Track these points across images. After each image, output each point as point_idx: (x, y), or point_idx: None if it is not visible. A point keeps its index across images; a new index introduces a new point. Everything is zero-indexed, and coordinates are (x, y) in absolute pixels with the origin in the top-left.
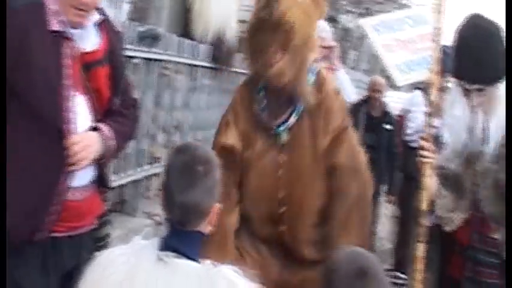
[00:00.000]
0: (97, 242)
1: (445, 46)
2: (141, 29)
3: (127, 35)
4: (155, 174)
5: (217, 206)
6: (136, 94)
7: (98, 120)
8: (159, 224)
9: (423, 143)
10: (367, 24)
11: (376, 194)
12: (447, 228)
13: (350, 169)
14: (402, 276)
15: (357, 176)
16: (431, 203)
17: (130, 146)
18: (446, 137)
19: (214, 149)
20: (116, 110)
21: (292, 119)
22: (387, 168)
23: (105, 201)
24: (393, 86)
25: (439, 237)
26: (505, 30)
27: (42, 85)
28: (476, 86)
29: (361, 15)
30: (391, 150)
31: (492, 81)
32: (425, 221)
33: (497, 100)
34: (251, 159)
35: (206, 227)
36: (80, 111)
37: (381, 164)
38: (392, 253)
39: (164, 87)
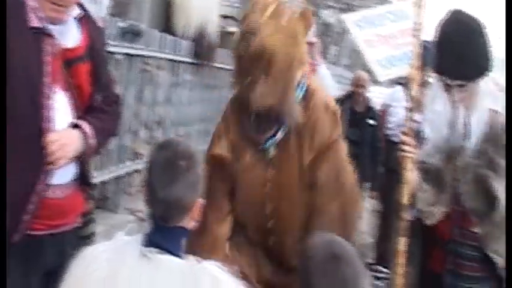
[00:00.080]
0: (82, 240)
1: (425, 41)
2: (122, 24)
3: (108, 31)
4: (137, 171)
5: (200, 201)
6: (118, 90)
7: (79, 117)
8: (141, 220)
9: (404, 137)
10: (349, 19)
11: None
12: (428, 222)
13: (331, 188)
14: (384, 270)
15: (340, 194)
16: (413, 197)
17: (112, 142)
18: (427, 132)
19: (206, 159)
20: (98, 107)
21: (279, 135)
22: (370, 163)
23: (90, 199)
24: (374, 81)
25: (420, 231)
26: (505, 30)
27: (22, 83)
28: (457, 82)
29: (342, 10)
30: (374, 145)
31: (473, 77)
32: (407, 215)
33: (479, 96)
34: (240, 172)
35: (189, 223)
36: (61, 108)
37: (364, 159)
38: (373, 247)
39: (146, 83)
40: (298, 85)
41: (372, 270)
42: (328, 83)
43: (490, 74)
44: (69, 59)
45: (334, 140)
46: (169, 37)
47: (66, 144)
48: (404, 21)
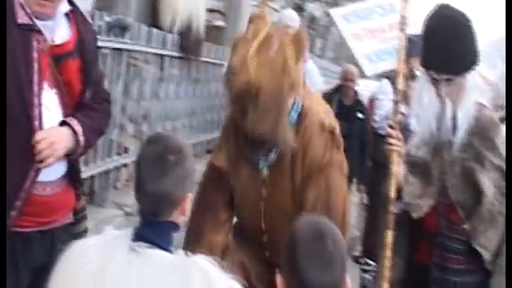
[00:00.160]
0: (75, 237)
1: (411, 35)
2: (109, 19)
3: (94, 25)
4: (124, 165)
5: (189, 196)
6: (106, 85)
7: (68, 115)
8: (128, 214)
9: (390, 131)
10: (337, 13)
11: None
12: (415, 215)
13: (319, 210)
14: (371, 263)
15: (328, 218)
16: (399, 190)
17: None
18: (414, 125)
19: (207, 167)
20: (88, 104)
21: (272, 157)
22: (358, 157)
23: (81, 196)
24: (360, 74)
25: (407, 224)
26: (505, 30)
27: (10, 80)
28: (444, 76)
29: (328, 4)
30: (363, 139)
31: (460, 71)
32: (394, 208)
33: (466, 89)
34: (236, 187)
35: (178, 217)
36: (50, 105)
37: (352, 152)
38: (360, 240)
39: (133, 78)
40: (292, 107)
41: (359, 263)
42: (315, 78)
43: (477, 67)
44: (58, 55)
45: (328, 161)
46: (156, 31)
47: (55, 142)
48: (392, 15)
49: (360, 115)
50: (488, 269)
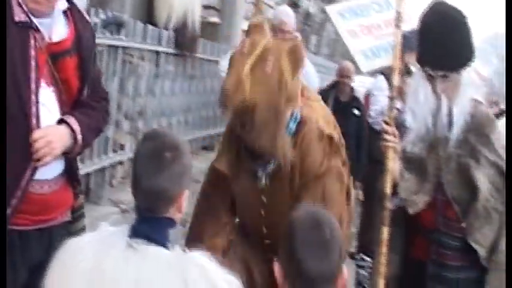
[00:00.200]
0: (73, 235)
1: (406, 31)
2: (104, 16)
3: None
4: (120, 162)
5: (186, 193)
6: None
7: (66, 113)
8: (124, 211)
9: (386, 127)
10: (333, 10)
11: None
12: (410, 211)
13: None
14: (367, 259)
15: None
16: (395, 186)
17: None
18: (410, 121)
19: (209, 169)
20: (86, 103)
21: (271, 167)
22: (355, 153)
23: (79, 194)
24: (355, 71)
25: (402, 220)
26: (505, 30)
27: (7, 78)
28: (440, 73)
29: (323, 0)
30: (359, 135)
31: (456, 67)
32: (390, 205)
33: (461, 86)
34: (237, 193)
35: (175, 214)
36: (47, 103)
37: (349, 149)
38: (356, 236)
39: (128, 74)
40: (290, 118)
41: (354, 259)
42: (311, 77)
43: (472, 63)
44: (55, 53)
45: (325, 169)
46: (151, 28)
47: (52, 141)
48: (388, 11)
49: (356, 112)
50: (484, 266)
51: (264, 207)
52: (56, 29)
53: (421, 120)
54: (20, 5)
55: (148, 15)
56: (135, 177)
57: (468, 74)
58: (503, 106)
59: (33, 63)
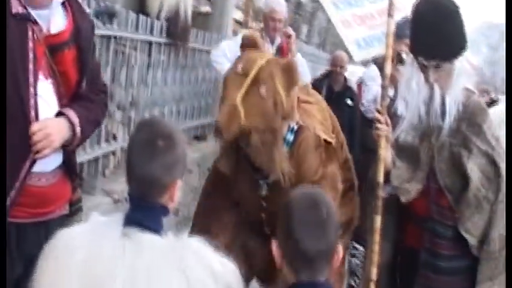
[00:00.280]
0: None
1: (398, 20)
2: (97, 6)
3: None
4: (113, 152)
5: (179, 182)
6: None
7: (64, 105)
8: (117, 201)
9: (378, 115)
10: (326, 0)
11: None
12: (403, 199)
13: None
14: (359, 247)
15: None
16: (387, 175)
17: None
18: (402, 109)
19: (211, 170)
20: (84, 95)
21: (271, 178)
22: (348, 142)
23: (77, 187)
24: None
25: (394, 208)
26: (505, 30)
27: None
28: (433, 62)
29: None
30: (352, 124)
31: (449, 57)
32: (382, 193)
33: (454, 75)
34: (239, 195)
35: (167, 203)
36: (45, 95)
37: None
38: None
39: (121, 64)
40: (288, 130)
41: (347, 248)
42: (304, 72)
43: (464, 53)
44: (53, 45)
45: (320, 177)
46: (143, 18)
47: (51, 133)
48: (382, 1)
49: (349, 101)
50: (475, 255)
51: (264, 211)
52: (54, 21)
53: (414, 109)
54: None
55: (141, 5)
56: (128, 165)
57: (461, 64)
58: (493, 95)
59: (31, 55)
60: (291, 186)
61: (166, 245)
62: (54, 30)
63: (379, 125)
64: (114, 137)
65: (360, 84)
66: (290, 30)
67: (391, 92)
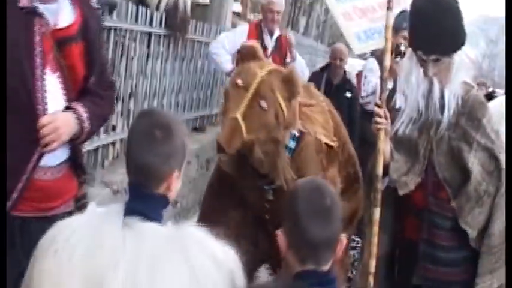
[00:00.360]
0: None
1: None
2: None
3: None
4: (112, 143)
5: (176, 173)
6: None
7: (71, 100)
8: (116, 192)
9: (377, 110)
10: None
11: None
12: (401, 192)
13: None
14: (356, 239)
15: None
16: (386, 167)
17: None
18: (401, 103)
19: (216, 167)
20: (93, 91)
21: (275, 185)
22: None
23: (83, 183)
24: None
25: (392, 201)
26: (505, 29)
27: (12, 64)
28: (432, 57)
29: None
30: (351, 117)
31: (448, 51)
32: (381, 185)
33: (453, 69)
34: (243, 193)
35: (166, 193)
36: (52, 89)
37: None
38: None
39: (120, 55)
40: (290, 137)
41: None
42: (303, 71)
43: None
44: (60, 39)
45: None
46: (143, 9)
47: (59, 127)
48: None
49: (348, 94)
50: (474, 247)
51: (269, 213)
52: (62, 15)
53: (413, 103)
54: None
55: None
56: (127, 154)
57: (460, 58)
58: (490, 89)
59: (38, 49)
60: None
61: (168, 234)
62: (61, 24)
63: (378, 119)
64: (113, 128)
65: (359, 76)
66: (291, 38)
67: (390, 85)
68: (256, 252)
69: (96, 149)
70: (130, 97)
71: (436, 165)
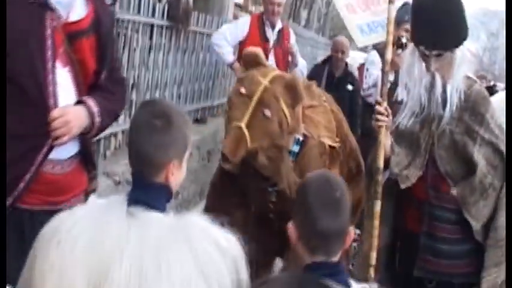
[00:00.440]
0: None
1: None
2: None
3: None
4: (114, 134)
5: (174, 163)
6: None
7: (82, 94)
8: (118, 183)
9: (378, 107)
10: None
11: None
12: (403, 186)
13: None
14: (356, 231)
15: None
16: (387, 160)
17: None
18: (402, 95)
19: (219, 166)
20: (105, 87)
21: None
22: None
23: (94, 178)
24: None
25: (392, 193)
26: (505, 29)
27: (23, 57)
28: (435, 52)
29: None
30: (353, 110)
31: (451, 46)
32: (381, 178)
33: (455, 64)
34: (245, 195)
35: (166, 182)
36: (63, 83)
37: None
38: None
39: (122, 47)
40: (294, 141)
41: None
42: (301, 69)
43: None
44: (71, 33)
45: None
46: (145, 0)
47: (70, 120)
48: None
49: (349, 87)
50: (476, 239)
51: (273, 212)
52: (74, 9)
53: (415, 97)
54: None
55: None
56: (129, 144)
57: (462, 52)
58: (491, 83)
59: (49, 42)
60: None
61: (172, 223)
62: (73, 18)
63: (379, 116)
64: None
65: (361, 69)
66: (293, 49)
67: (391, 77)
68: (260, 251)
69: (98, 140)
70: (132, 88)
71: (437, 158)
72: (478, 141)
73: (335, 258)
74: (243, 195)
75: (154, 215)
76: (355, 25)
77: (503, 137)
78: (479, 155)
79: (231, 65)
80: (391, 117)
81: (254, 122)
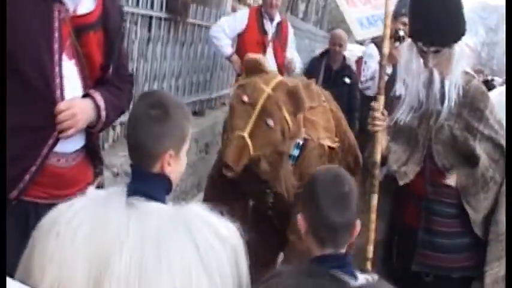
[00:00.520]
0: None
1: None
2: None
3: None
4: (113, 126)
5: (170, 153)
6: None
7: (88, 87)
8: (116, 175)
9: (375, 113)
10: None
11: None
12: (401, 183)
13: None
14: None
15: None
16: (384, 157)
17: None
18: (401, 90)
19: (217, 160)
20: (112, 82)
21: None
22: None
23: (100, 174)
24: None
25: (391, 188)
26: (505, 29)
27: (29, 49)
28: (433, 48)
29: None
30: (350, 103)
31: (449, 42)
32: (379, 173)
33: (454, 60)
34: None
35: (162, 172)
36: (69, 76)
37: None
38: None
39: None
40: (294, 145)
41: None
42: (297, 65)
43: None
44: (79, 26)
45: None
46: None
47: (77, 113)
48: None
49: (347, 80)
50: (475, 233)
51: (271, 209)
52: (82, 2)
53: (413, 93)
54: None
55: None
56: (127, 135)
57: (460, 48)
58: (489, 77)
59: (56, 34)
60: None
61: (172, 212)
62: (81, 11)
63: (376, 122)
64: None
65: (359, 63)
66: (290, 61)
67: (388, 70)
68: (259, 242)
69: None
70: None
71: (434, 153)
72: (478, 136)
73: (343, 250)
74: (239, 189)
75: (154, 205)
76: (354, 18)
77: (503, 132)
78: (480, 150)
79: (229, 58)
80: (387, 121)
81: (257, 131)
